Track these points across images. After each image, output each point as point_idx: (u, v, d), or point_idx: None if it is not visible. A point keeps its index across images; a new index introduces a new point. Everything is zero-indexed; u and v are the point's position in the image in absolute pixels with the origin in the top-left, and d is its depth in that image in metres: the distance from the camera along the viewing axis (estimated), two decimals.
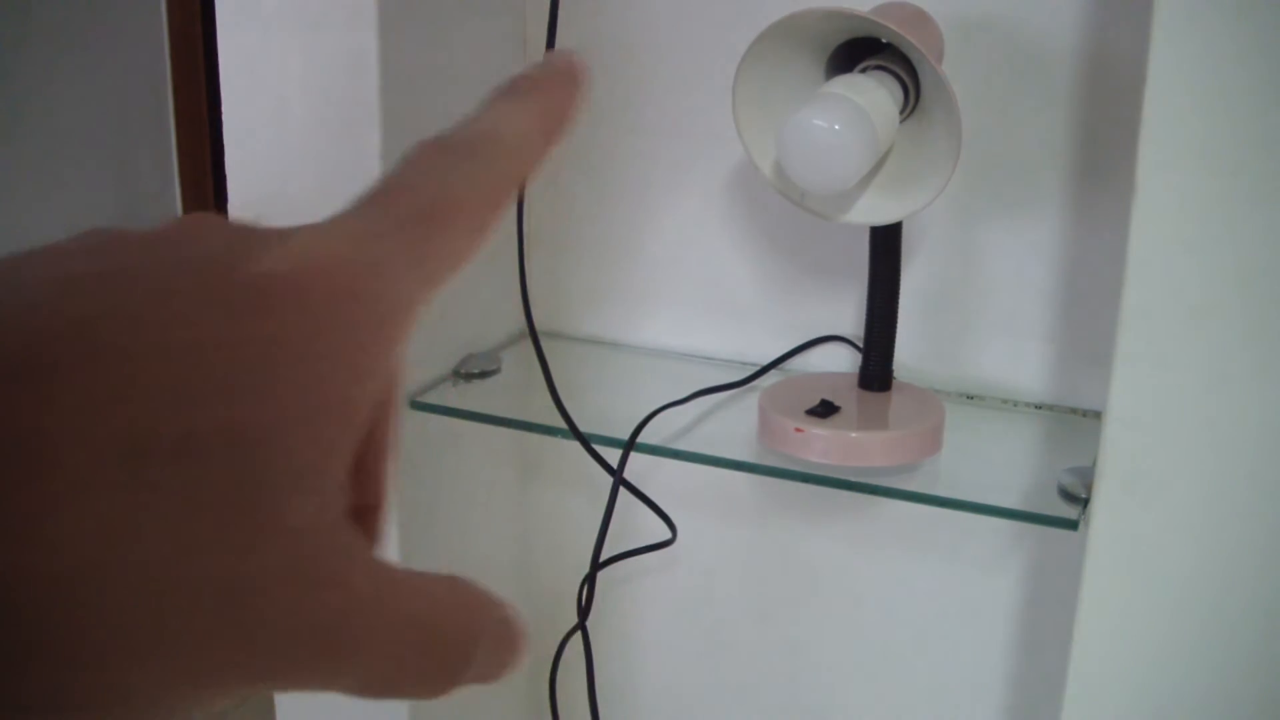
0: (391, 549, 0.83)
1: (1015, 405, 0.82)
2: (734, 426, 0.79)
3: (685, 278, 0.91)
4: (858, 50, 0.69)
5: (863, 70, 0.68)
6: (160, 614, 0.18)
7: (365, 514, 0.25)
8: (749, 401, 0.82)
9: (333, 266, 0.21)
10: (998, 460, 0.77)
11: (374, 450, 0.25)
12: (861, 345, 0.80)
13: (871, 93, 0.64)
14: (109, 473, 0.18)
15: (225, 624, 0.19)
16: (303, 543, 0.20)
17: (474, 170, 0.24)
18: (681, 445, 0.76)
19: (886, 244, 0.74)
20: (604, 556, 0.81)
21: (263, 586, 0.19)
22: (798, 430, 0.72)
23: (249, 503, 0.19)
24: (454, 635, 0.22)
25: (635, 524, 0.88)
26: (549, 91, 0.26)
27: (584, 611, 0.85)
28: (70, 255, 0.21)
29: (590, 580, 0.83)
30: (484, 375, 0.86)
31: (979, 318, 0.82)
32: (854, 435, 0.72)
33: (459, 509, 0.91)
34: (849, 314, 0.86)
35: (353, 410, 0.21)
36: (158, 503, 0.18)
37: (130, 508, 0.18)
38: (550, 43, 0.75)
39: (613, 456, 0.78)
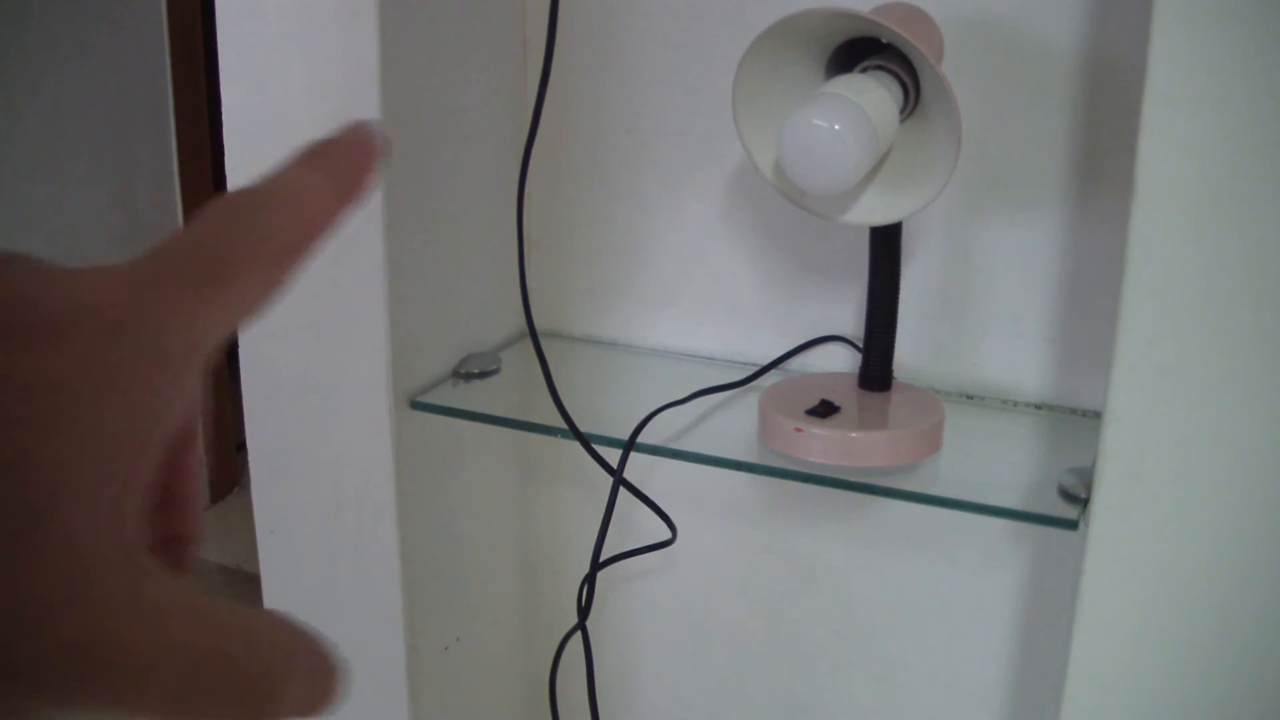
0: (391, 549, 0.83)
1: (1015, 405, 0.82)
2: (734, 426, 0.79)
3: (685, 277, 0.91)
4: (858, 50, 0.69)
5: (863, 70, 0.68)
6: None
7: (176, 544, 0.27)
8: (749, 401, 0.82)
9: (109, 305, 0.23)
10: (998, 460, 0.77)
11: (180, 482, 0.27)
12: (861, 345, 0.80)
13: (871, 93, 0.64)
14: None
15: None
16: (82, 564, 0.21)
17: (259, 225, 0.26)
18: (681, 445, 0.76)
19: (886, 244, 0.74)
20: (604, 556, 0.81)
21: (36, 604, 0.20)
22: (798, 430, 0.72)
23: (14, 524, 0.20)
24: (255, 669, 0.23)
25: (635, 524, 0.88)
26: (344, 157, 0.28)
27: (584, 611, 0.85)
28: None
29: (590, 580, 0.83)
30: (484, 375, 0.86)
31: (979, 318, 0.82)
32: (854, 435, 0.72)
33: (459, 509, 0.91)
34: (849, 314, 0.86)
35: (138, 442, 0.22)
36: None
37: None
38: (550, 42, 0.75)
39: (613, 456, 0.78)
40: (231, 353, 0.76)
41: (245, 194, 0.26)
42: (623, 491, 0.79)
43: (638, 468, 0.79)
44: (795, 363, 0.88)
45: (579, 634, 0.87)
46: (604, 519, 0.79)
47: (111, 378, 0.22)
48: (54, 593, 0.20)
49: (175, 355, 0.23)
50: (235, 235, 0.25)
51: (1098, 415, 0.67)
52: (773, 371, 0.87)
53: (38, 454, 0.20)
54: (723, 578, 0.96)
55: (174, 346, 0.23)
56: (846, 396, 0.76)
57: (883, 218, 0.70)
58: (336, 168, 0.28)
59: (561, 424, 0.78)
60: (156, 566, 0.23)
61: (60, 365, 0.21)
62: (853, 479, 0.71)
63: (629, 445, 0.76)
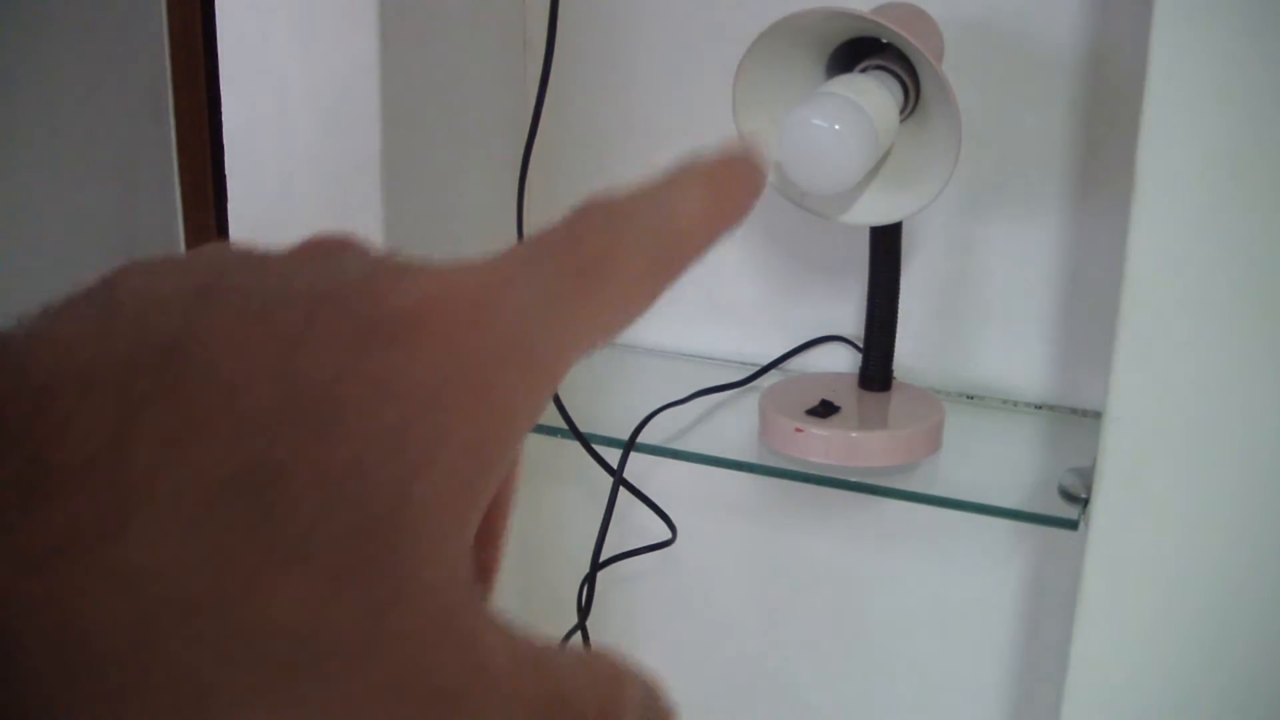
0: None
1: (1015, 405, 0.82)
2: (734, 426, 0.79)
3: (685, 277, 0.90)
4: (858, 50, 0.69)
5: (863, 70, 0.68)
6: (254, 663, 0.16)
7: (483, 572, 0.24)
8: (749, 401, 0.82)
9: (480, 306, 0.20)
10: (998, 460, 0.77)
11: (500, 505, 0.24)
12: (861, 345, 0.80)
13: (871, 93, 0.64)
14: (197, 507, 0.16)
15: (340, 679, 0.17)
16: (437, 600, 0.18)
17: (640, 237, 0.23)
18: (681, 445, 0.76)
19: (886, 244, 0.74)
20: (604, 556, 0.81)
21: (387, 643, 0.17)
22: (798, 430, 0.72)
23: (379, 552, 0.17)
24: (591, 715, 0.20)
25: (635, 524, 0.88)
26: (729, 179, 0.25)
27: (584, 611, 0.85)
28: (185, 270, 0.19)
29: (590, 580, 0.83)
30: None
31: (979, 318, 0.82)
32: (854, 435, 0.72)
33: None
34: (849, 314, 0.86)
35: (498, 461, 0.20)
36: (253, 544, 0.16)
37: (220, 547, 0.16)
38: (550, 43, 0.75)
39: (613, 456, 0.78)
40: None
41: (620, 197, 0.23)
42: (623, 491, 0.79)
43: (638, 468, 0.79)
44: (795, 363, 0.88)
45: (579, 634, 0.87)
46: (604, 519, 0.79)
47: (474, 385, 0.19)
48: (396, 632, 0.17)
49: (539, 364, 0.20)
50: (610, 238, 0.22)
51: (1098, 415, 0.67)
52: (773, 371, 0.87)
53: (385, 468, 0.17)
54: (723, 578, 0.96)
55: (540, 353, 0.20)
56: (846, 396, 0.76)
57: (883, 218, 0.70)
58: (721, 189, 0.24)
59: (561, 424, 0.78)
60: (487, 604, 0.20)
61: (416, 367, 0.18)
62: (853, 479, 0.71)
63: (629, 445, 0.76)
